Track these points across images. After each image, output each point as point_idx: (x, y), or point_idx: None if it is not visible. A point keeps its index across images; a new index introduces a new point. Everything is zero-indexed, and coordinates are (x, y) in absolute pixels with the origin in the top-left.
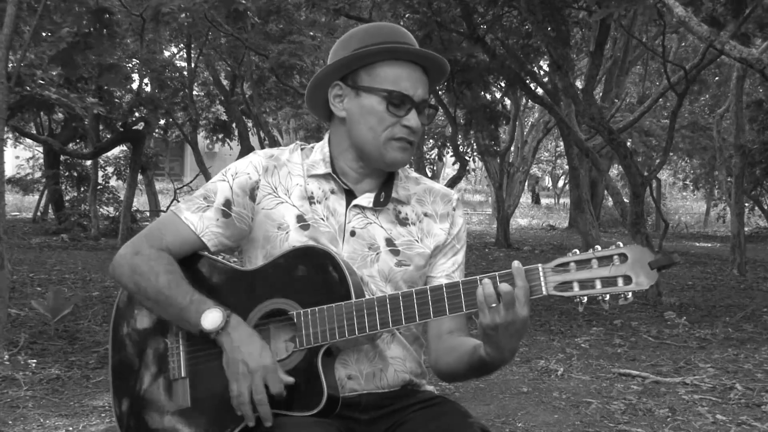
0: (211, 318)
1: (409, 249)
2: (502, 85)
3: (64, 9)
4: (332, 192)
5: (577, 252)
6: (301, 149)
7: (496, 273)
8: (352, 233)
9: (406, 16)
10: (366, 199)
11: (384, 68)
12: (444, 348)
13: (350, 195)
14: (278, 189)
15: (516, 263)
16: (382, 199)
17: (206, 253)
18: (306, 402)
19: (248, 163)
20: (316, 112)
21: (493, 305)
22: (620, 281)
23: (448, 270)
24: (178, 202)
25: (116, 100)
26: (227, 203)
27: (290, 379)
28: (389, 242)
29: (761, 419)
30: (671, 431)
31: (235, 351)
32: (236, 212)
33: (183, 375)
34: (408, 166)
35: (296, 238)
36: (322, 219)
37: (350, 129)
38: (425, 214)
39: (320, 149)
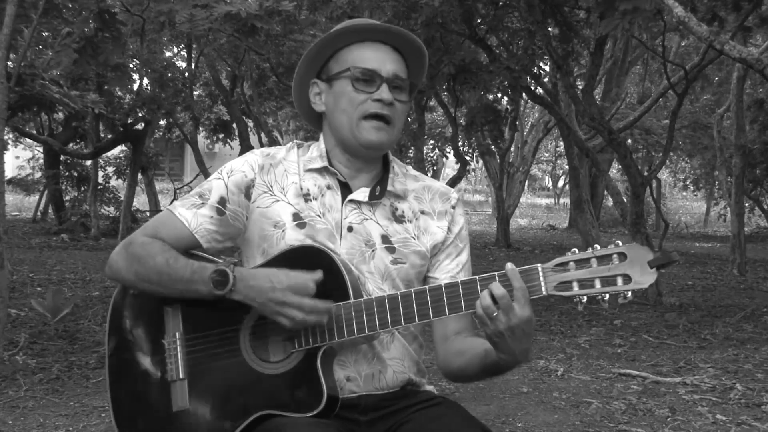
0: (220, 279)
1: (405, 246)
2: (504, 85)
3: (72, 8)
4: (328, 188)
5: (577, 251)
6: (298, 147)
7: (493, 274)
8: (350, 229)
9: (412, 17)
10: (362, 194)
11: (350, 52)
12: (453, 350)
13: (346, 189)
14: (274, 187)
15: (509, 265)
16: (377, 193)
17: (204, 253)
18: (306, 403)
19: (244, 161)
20: (310, 121)
21: (494, 314)
22: (619, 280)
23: (452, 272)
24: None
25: (117, 100)
26: (222, 201)
27: (317, 275)
28: (385, 239)
29: (761, 419)
30: (671, 431)
31: (255, 300)
32: (231, 210)
33: (181, 376)
34: (408, 163)
35: (293, 236)
36: (319, 216)
37: (330, 121)
38: (422, 212)
39: (317, 146)
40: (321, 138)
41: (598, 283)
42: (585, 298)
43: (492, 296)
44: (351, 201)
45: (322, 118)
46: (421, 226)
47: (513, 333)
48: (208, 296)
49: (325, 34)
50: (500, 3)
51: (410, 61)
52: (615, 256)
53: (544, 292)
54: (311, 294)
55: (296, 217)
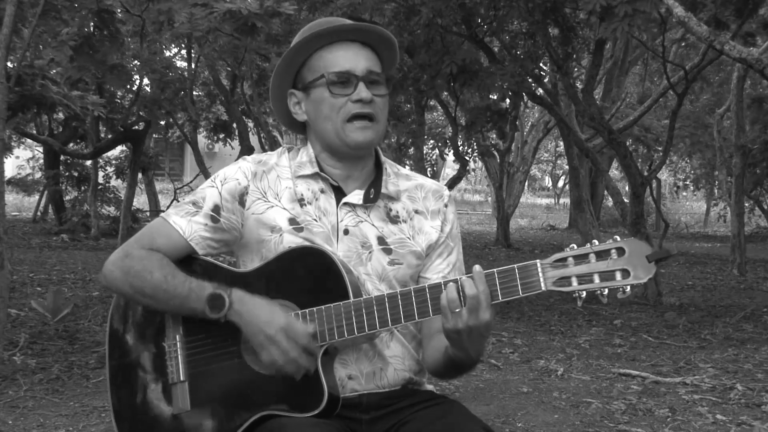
0: (216, 303)
1: (401, 247)
2: (505, 88)
3: (70, 8)
4: (322, 192)
5: (575, 247)
6: (288, 151)
7: (460, 277)
8: (346, 231)
9: (412, 18)
10: (356, 197)
11: (320, 57)
12: (431, 347)
13: (340, 193)
14: (268, 193)
15: (477, 267)
16: (371, 196)
17: (201, 256)
18: (307, 403)
19: (237, 168)
20: (294, 129)
21: (457, 310)
22: (618, 275)
23: (443, 272)
24: (178, 201)
25: (117, 100)
26: (216, 209)
27: (311, 329)
28: (381, 240)
29: (761, 419)
30: (671, 431)
31: (248, 325)
32: (225, 218)
33: (182, 379)
34: (408, 163)
35: (291, 240)
36: (315, 220)
37: (314, 129)
38: (416, 211)
39: (306, 151)
40: (309, 143)
41: (596, 278)
42: (584, 293)
43: (459, 292)
44: (345, 204)
45: (306, 126)
46: (416, 226)
47: (470, 333)
48: (202, 316)
49: (292, 44)
50: (500, 3)
51: (381, 53)
52: (613, 251)
53: (543, 288)
54: (301, 345)
55: (293, 221)
